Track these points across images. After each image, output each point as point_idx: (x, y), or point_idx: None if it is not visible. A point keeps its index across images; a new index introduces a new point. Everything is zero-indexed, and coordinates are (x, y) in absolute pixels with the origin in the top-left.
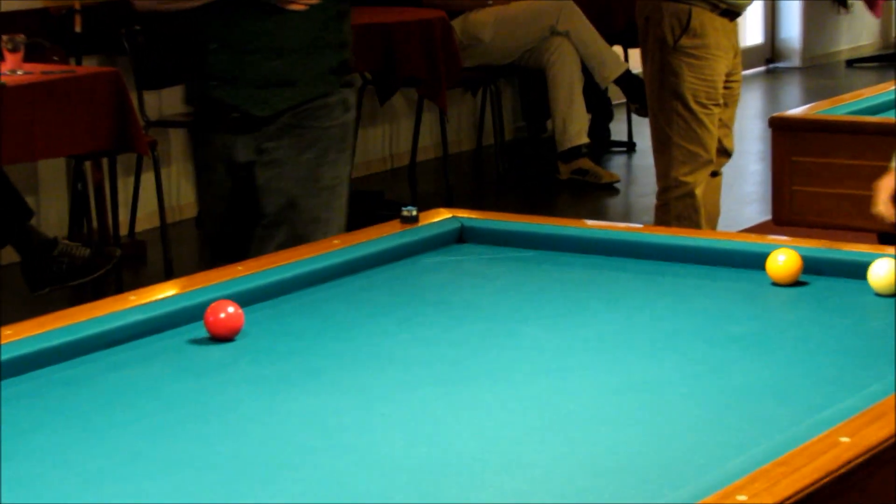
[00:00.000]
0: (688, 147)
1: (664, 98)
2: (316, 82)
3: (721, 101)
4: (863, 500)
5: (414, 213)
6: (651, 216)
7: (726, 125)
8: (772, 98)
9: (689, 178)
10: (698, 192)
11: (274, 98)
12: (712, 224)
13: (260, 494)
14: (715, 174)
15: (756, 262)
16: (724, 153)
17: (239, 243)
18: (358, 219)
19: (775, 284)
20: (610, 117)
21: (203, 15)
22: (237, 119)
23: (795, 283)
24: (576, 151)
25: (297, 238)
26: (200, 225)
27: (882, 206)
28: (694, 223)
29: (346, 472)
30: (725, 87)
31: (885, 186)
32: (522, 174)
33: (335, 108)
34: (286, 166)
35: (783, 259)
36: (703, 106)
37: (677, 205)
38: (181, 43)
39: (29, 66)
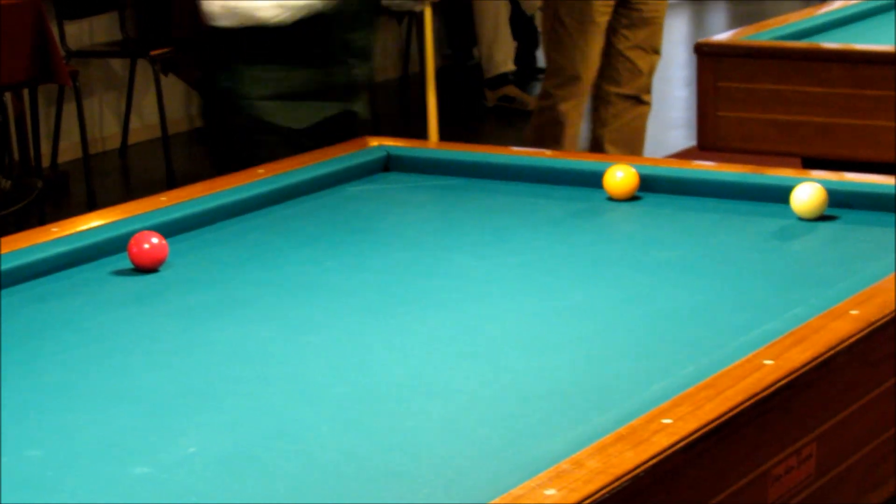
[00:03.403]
0: (556, 59)
1: (548, 15)
2: None
3: (597, 20)
4: (786, 422)
5: None
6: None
7: (640, 46)
8: (697, 24)
9: (555, 91)
10: (562, 107)
11: None
12: (636, 152)
13: (186, 425)
14: (639, 101)
15: (680, 187)
16: (638, 72)
17: None
18: (283, 146)
19: (611, 199)
20: (536, 44)
21: None
22: None
23: (632, 198)
24: (502, 78)
25: None
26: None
27: None
28: (552, 137)
29: (273, 402)
30: (633, 10)
31: None
32: (449, 102)
33: None
34: None
35: (621, 175)
36: (578, 21)
37: (540, 116)
38: None
39: None
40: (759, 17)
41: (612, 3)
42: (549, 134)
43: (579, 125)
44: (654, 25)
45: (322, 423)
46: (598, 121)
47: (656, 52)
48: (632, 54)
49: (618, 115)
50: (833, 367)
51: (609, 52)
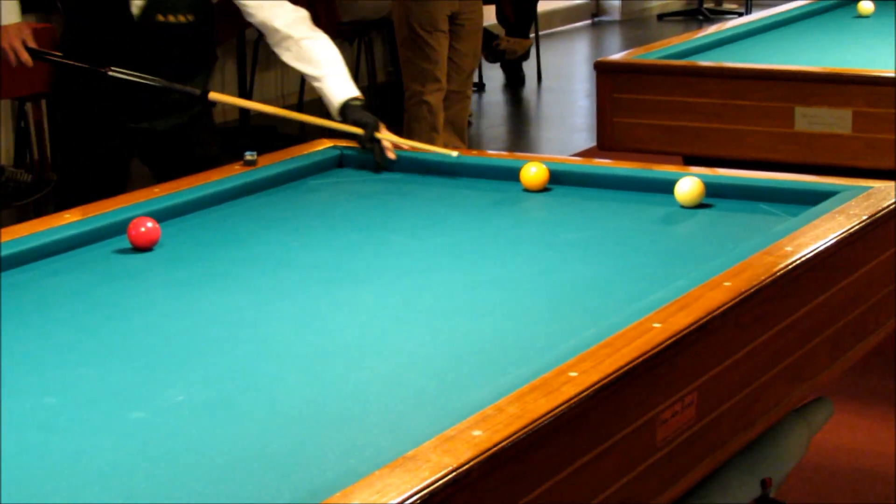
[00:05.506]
0: (418, 63)
1: (401, 26)
2: None
3: (443, 29)
4: (672, 375)
5: (254, 157)
6: (499, 144)
7: (465, 53)
8: (596, 46)
9: (419, 88)
10: (430, 99)
11: None
12: (460, 134)
13: (175, 378)
14: (464, 95)
15: (583, 181)
16: (463, 72)
17: None
18: (255, 149)
19: (526, 191)
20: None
21: None
22: None
23: (544, 189)
24: None
25: None
26: None
27: None
28: (428, 123)
29: (246, 359)
30: (458, 24)
31: None
32: (392, 111)
33: None
34: None
35: (534, 171)
36: (429, 32)
37: (413, 109)
38: None
39: None
40: (647, 41)
41: (448, 13)
42: (426, 123)
43: (442, 113)
44: (475, 35)
45: (287, 376)
46: None
47: (476, 56)
48: (458, 60)
49: (447, 106)
50: (710, 329)
51: None
